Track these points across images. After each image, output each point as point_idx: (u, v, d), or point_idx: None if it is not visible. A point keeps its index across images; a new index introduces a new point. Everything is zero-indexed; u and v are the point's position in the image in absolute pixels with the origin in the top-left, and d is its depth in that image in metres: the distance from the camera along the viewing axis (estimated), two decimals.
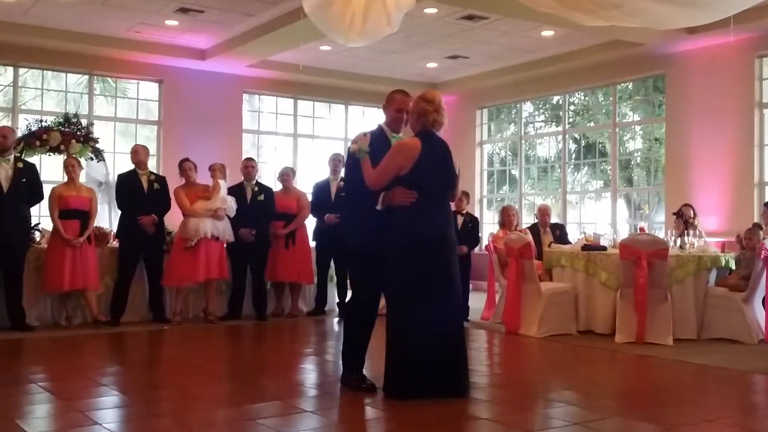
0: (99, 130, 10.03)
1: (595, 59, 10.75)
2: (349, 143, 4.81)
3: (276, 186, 8.79)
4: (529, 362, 6.45)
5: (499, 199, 13.51)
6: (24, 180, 7.24)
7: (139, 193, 7.89)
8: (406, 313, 4.49)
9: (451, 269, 4.58)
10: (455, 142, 13.29)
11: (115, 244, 8.01)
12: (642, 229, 8.07)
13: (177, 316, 7.87)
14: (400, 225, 4.53)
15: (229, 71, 11.49)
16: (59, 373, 5.52)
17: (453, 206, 8.54)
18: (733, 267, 7.26)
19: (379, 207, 4.58)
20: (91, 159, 9.39)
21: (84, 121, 9.64)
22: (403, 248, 4.51)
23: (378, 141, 4.70)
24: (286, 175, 8.71)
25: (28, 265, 7.39)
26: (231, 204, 8.01)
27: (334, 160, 8.77)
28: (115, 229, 8.22)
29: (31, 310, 7.39)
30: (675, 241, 7.56)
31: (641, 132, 12.53)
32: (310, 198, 8.80)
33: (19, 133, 8.96)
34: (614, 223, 11.23)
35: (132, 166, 8.04)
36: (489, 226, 12.80)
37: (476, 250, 9.09)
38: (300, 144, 12.81)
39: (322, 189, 8.71)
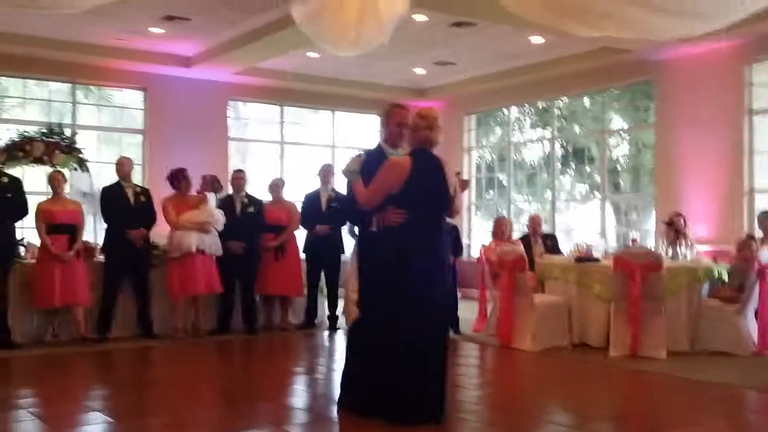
0: (83, 139, 9.87)
1: (583, 66, 10.73)
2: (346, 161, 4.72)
3: (265, 197, 8.67)
4: (523, 378, 6.40)
5: (486, 205, 13.48)
6: (9, 195, 7.08)
7: (125, 206, 7.75)
8: (384, 331, 4.40)
9: (437, 289, 4.45)
10: (443, 148, 13.23)
11: (101, 258, 7.86)
12: (634, 241, 8.04)
13: (179, 332, 7.76)
14: (387, 242, 4.45)
15: (214, 78, 11.36)
16: (47, 396, 5.39)
17: None
18: (726, 278, 7.24)
19: (374, 228, 4.51)
20: (75, 169, 9.24)
21: (68, 131, 9.47)
22: (388, 264, 4.44)
23: (376, 160, 4.60)
24: (277, 186, 8.60)
25: (14, 280, 7.23)
26: (219, 217, 7.89)
27: (325, 171, 8.68)
28: (101, 242, 8.08)
29: (16, 327, 7.23)
30: (666, 251, 7.54)
31: (628, 138, 12.53)
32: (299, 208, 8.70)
33: (1, 144, 8.81)
34: (603, 231, 11.21)
35: (115, 177, 7.90)
36: (477, 231, 12.77)
37: (464, 258, 9.02)
38: (287, 151, 12.69)
39: (312, 200, 8.61)
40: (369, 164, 4.56)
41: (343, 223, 8.55)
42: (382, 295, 4.44)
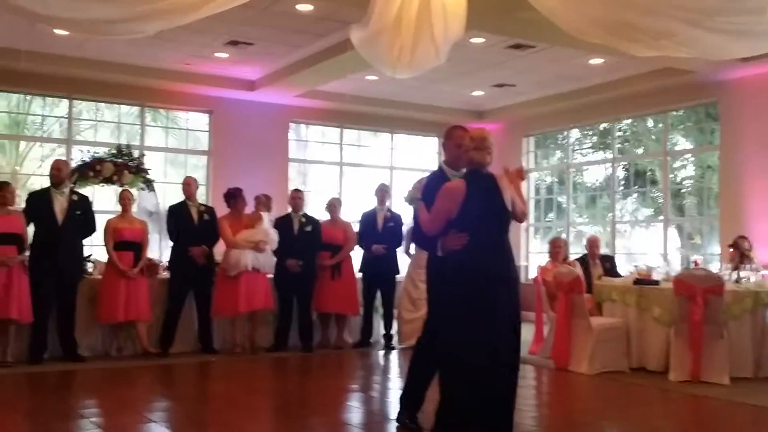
0: (150, 160, 10.20)
1: (645, 87, 10.60)
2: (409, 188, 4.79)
3: (322, 216, 8.80)
4: (580, 401, 6.31)
5: (546, 227, 13.36)
6: (78, 212, 7.38)
7: (189, 224, 7.98)
8: (458, 352, 4.36)
9: (506, 307, 4.38)
10: (502, 170, 13.25)
11: (165, 274, 8.09)
12: (696, 263, 7.87)
13: (238, 348, 7.91)
14: (452, 265, 4.45)
15: (276, 101, 11.62)
16: (109, 407, 5.57)
17: None
18: None
19: (439, 253, 4.53)
20: (143, 189, 9.55)
21: (136, 152, 9.81)
22: (454, 286, 4.42)
23: (438, 183, 4.62)
24: (333, 206, 8.72)
25: (81, 296, 7.50)
26: (273, 236, 8.03)
27: (381, 191, 8.78)
28: (165, 259, 8.33)
29: (82, 341, 7.49)
30: (731, 275, 7.35)
31: (693, 160, 12.30)
32: (356, 228, 8.81)
33: (74, 164, 9.18)
34: (666, 254, 10.98)
35: (182, 197, 8.16)
36: (535, 255, 12.65)
37: (522, 279, 8.97)
38: (346, 172, 12.85)
39: (369, 219, 8.71)
40: (431, 187, 4.61)
41: (399, 244, 8.65)
42: (448, 318, 4.45)
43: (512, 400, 4.42)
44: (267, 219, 8.13)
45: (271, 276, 8.16)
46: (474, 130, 4.68)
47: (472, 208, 4.41)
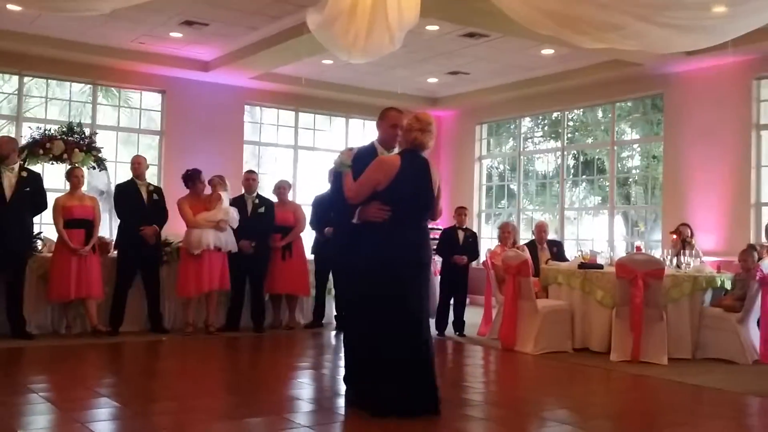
0: (101, 139, 10.10)
1: (595, 78, 10.85)
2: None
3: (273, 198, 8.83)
4: (525, 380, 6.51)
5: (497, 213, 13.59)
6: (28, 189, 7.30)
7: (138, 204, 7.95)
8: (370, 333, 4.58)
9: (416, 288, 4.60)
10: (455, 157, 13.48)
11: (115, 253, 8.06)
12: (638, 248, 8.13)
13: (189, 327, 7.93)
14: (367, 244, 4.62)
15: (231, 83, 11.58)
16: (59, 383, 5.57)
17: (454, 221, 8.72)
18: (729, 288, 7.33)
19: (355, 220, 4.68)
20: (94, 168, 9.46)
21: (87, 130, 9.70)
22: (368, 267, 4.62)
23: (368, 157, 4.77)
24: (282, 188, 8.77)
25: (30, 273, 7.44)
26: (233, 215, 8.07)
27: (337, 164, 8.83)
28: (115, 238, 8.29)
29: (31, 319, 7.44)
30: (671, 261, 7.63)
31: (639, 150, 12.63)
32: (307, 211, 8.87)
33: (23, 142, 9.05)
34: (611, 241, 11.30)
35: (130, 176, 8.11)
36: (487, 240, 12.88)
37: (474, 264, 9.16)
38: (300, 156, 12.88)
39: (321, 202, 8.75)
40: (360, 160, 4.72)
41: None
42: (359, 290, 4.63)
43: (426, 371, 4.53)
44: (227, 198, 8.16)
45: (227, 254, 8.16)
46: (420, 113, 4.82)
47: (400, 185, 4.56)
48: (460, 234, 8.74)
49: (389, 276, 4.53)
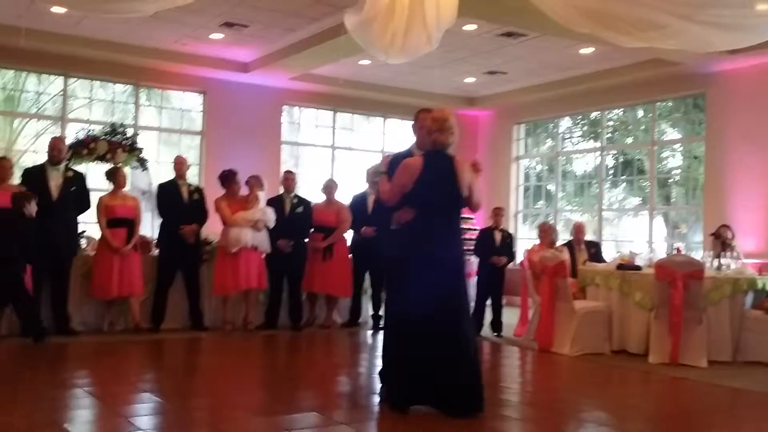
0: (143, 140, 10.28)
1: (634, 77, 10.75)
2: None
3: (316, 198, 8.90)
4: (562, 381, 6.48)
5: (534, 214, 13.53)
6: (73, 188, 7.48)
7: (179, 203, 8.09)
8: (401, 331, 4.62)
9: (446, 287, 4.59)
10: (492, 157, 13.43)
11: (156, 252, 8.20)
12: (678, 250, 8.04)
13: (228, 325, 8.05)
14: (399, 244, 4.70)
15: (270, 84, 11.71)
16: (102, 378, 5.70)
17: (491, 221, 8.71)
18: None
19: (393, 226, 4.75)
20: (136, 168, 9.64)
21: (129, 131, 9.89)
22: (399, 268, 4.69)
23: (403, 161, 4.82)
24: (330, 188, 8.82)
25: (75, 271, 7.61)
26: (270, 215, 8.16)
27: (372, 174, 8.89)
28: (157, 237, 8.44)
29: (75, 316, 7.61)
30: (712, 263, 7.53)
31: (681, 150, 12.46)
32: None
33: (68, 142, 9.25)
34: (651, 242, 11.17)
35: (172, 176, 8.26)
36: (524, 241, 12.82)
37: (510, 265, 9.13)
38: (338, 156, 12.96)
39: (359, 202, 8.82)
40: (396, 163, 4.78)
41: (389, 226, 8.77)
42: (393, 291, 4.70)
43: (466, 371, 4.53)
44: (264, 199, 8.25)
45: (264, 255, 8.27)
46: (436, 111, 4.82)
47: (424, 186, 4.60)
48: (497, 235, 8.74)
49: (417, 275, 4.56)
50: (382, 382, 4.84)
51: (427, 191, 4.61)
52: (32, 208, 6.89)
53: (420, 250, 4.60)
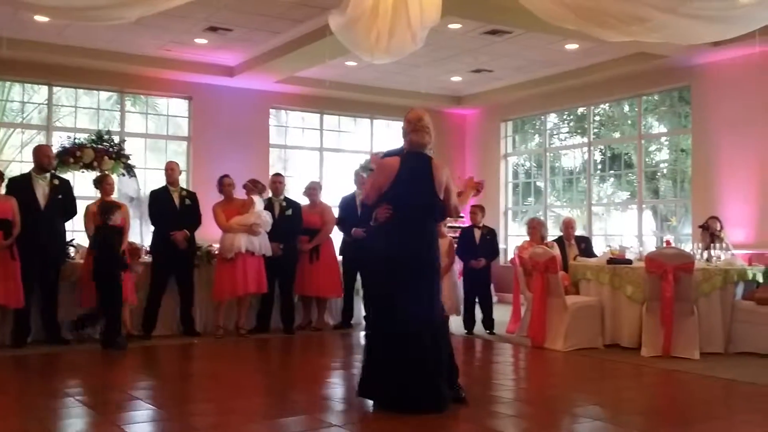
0: (130, 146, 10.24)
1: (620, 71, 10.78)
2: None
3: (303, 200, 8.89)
4: (555, 376, 6.49)
5: (524, 211, 13.55)
6: (60, 196, 7.44)
7: (171, 209, 8.06)
8: (372, 326, 4.77)
9: (416, 287, 4.60)
10: (480, 155, 13.46)
11: (147, 259, 8.17)
12: (668, 243, 8.07)
13: (220, 330, 8.02)
14: (374, 244, 4.78)
15: (256, 87, 11.68)
16: (94, 387, 5.66)
17: (469, 220, 8.72)
18: (761, 280, 7.24)
19: (372, 223, 4.80)
20: (123, 175, 9.59)
21: (116, 138, 9.84)
22: (374, 267, 4.77)
23: None
24: (313, 190, 8.83)
25: (63, 279, 7.56)
26: (267, 219, 8.13)
27: (360, 175, 8.89)
28: (146, 244, 8.41)
29: (65, 324, 7.56)
30: (701, 254, 7.56)
31: (667, 143, 12.51)
32: (335, 212, 8.92)
33: (54, 150, 9.19)
34: (640, 236, 11.21)
35: (163, 182, 8.23)
36: (514, 238, 12.84)
37: (501, 262, 9.12)
38: (326, 158, 12.95)
39: (348, 203, 8.81)
40: None
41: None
42: (368, 290, 4.76)
43: (434, 369, 4.55)
44: (260, 202, 8.23)
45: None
46: (410, 112, 4.85)
47: (399, 186, 4.65)
48: (477, 233, 8.71)
49: (388, 274, 4.62)
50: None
51: (402, 191, 4.65)
52: (117, 218, 7.43)
53: (390, 249, 4.64)
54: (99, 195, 7.96)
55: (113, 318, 7.23)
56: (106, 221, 7.33)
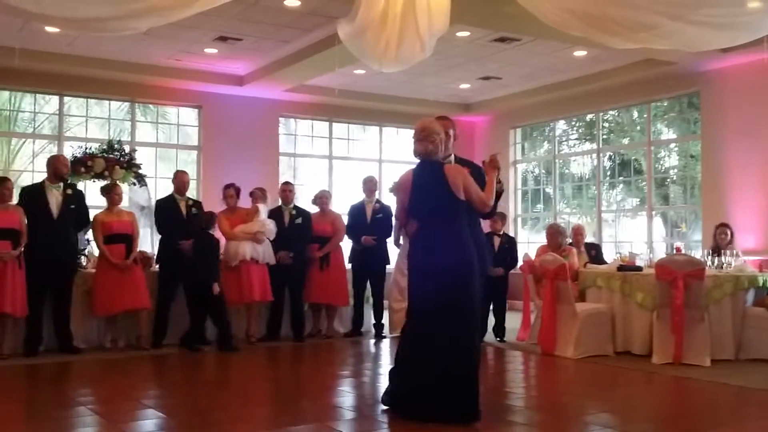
0: (140, 155, 10.30)
1: (628, 78, 10.77)
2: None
3: (313, 208, 8.91)
4: (566, 384, 6.47)
5: (533, 217, 13.53)
6: (72, 206, 7.49)
7: (178, 218, 8.09)
8: (406, 335, 4.77)
9: (441, 296, 4.54)
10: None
11: (157, 267, 8.20)
12: (678, 249, 8.04)
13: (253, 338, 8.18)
14: (409, 259, 4.87)
15: (266, 96, 11.73)
16: (106, 396, 5.69)
17: (489, 227, 8.68)
18: None
19: (401, 242, 4.91)
20: (134, 184, 9.64)
21: (126, 147, 9.90)
22: (410, 278, 4.83)
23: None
24: (323, 198, 8.85)
25: (76, 288, 7.61)
26: (271, 227, 8.16)
27: (369, 183, 8.92)
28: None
29: (77, 333, 7.60)
30: (712, 261, 7.53)
31: (677, 149, 12.48)
32: (345, 220, 8.94)
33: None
34: (650, 242, 11.18)
35: (170, 191, 8.27)
36: (524, 245, 12.82)
37: (514, 270, 9.11)
38: (335, 166, 12.98)
39: (357, 211, 8.84)
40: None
41: (388, 235, 8.78)
42: (410, 303, 4.84)
43: (461, 379, 4.50)
44: (264, 211, 8.26)
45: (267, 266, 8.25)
46: (418, 123, 4.87)
47: (414, 196, 4.71)
48: (496, 240, 8.72)
49: (416, 284, 4.68)
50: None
51: (419, 198, 4.71)
52: (215, 228, 7.88)
53: (417, 259, 4.70)
54: (107, 204, 7.99)
55: (224, 323, 7.67)
56: (206, 229, 7.67)
